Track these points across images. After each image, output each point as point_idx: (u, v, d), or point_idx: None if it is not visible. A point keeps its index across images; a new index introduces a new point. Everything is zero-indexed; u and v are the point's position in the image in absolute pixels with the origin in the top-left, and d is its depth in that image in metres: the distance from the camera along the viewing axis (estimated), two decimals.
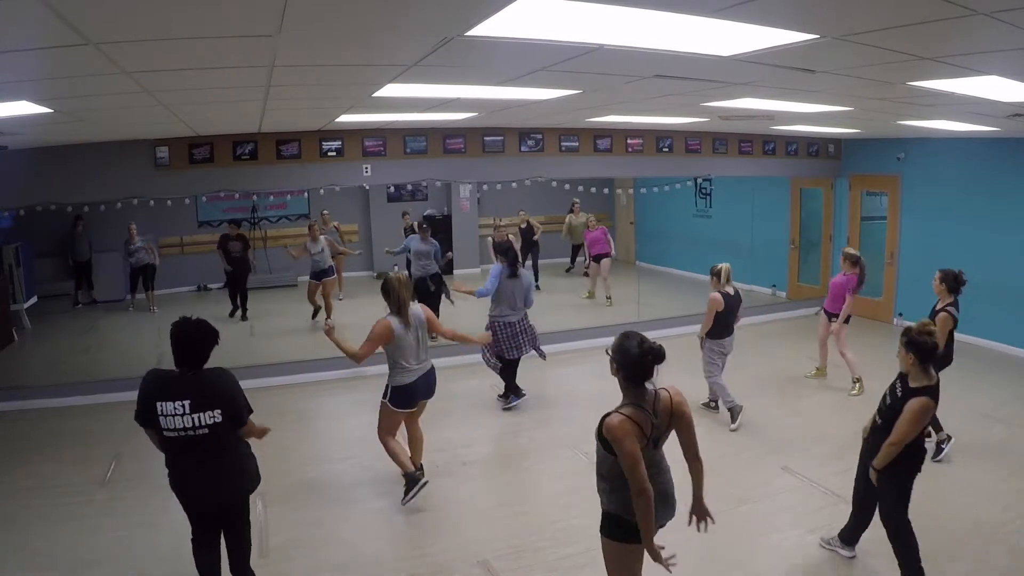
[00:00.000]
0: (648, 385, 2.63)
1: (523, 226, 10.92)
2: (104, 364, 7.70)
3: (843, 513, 4.32)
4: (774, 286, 10.66)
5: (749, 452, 5.29)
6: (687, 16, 2.37)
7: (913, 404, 3.25)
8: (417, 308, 4.46)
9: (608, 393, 6.88)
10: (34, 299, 9.82)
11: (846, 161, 9.92)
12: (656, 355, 2.58)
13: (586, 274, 11.32)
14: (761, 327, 9.11)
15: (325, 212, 10.29)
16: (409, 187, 12.62)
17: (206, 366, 3.08)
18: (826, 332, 6.80)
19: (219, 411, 2.99)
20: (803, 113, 5.97)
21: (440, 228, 12.26)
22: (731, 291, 5.91)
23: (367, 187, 9.14)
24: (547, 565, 3.84)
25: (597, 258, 10.32)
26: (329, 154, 7.25)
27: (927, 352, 3.27)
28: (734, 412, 5.83)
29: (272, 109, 4.93)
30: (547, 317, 9.30)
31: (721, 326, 5.90)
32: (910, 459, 3.38)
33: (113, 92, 3.53)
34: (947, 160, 8.39)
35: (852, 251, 6.70)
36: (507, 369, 6.37)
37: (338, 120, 6.13)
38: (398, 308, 4.32)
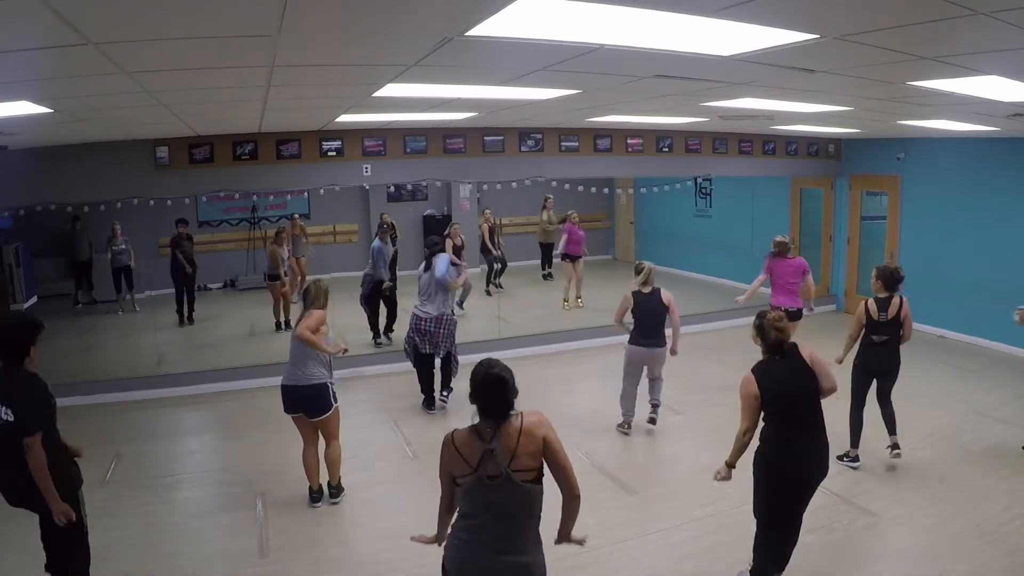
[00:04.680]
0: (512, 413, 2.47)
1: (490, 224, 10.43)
2: (104, 364, 7.70)
3: (843, 512, 4.34)
4: None
5: (748, 452, 5.27)
6: (687, 16, 2.38)
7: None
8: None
9: (607, 394, 6.83)
10: (34, 299, 9.85)
11: (846, 161, 9.92)
12: (497, 383, 2.44)
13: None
14: None
15: (296, 215, 10.34)
16: (409, 187, 12.64)
17: (32, 369, 3.10)
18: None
19: (10, 411, 2.96)
20: (803, 113, 5.97)
21: (440, 228, 12.27)
22: (647, 291, 5.45)
23: (367, 187, 9.14)
24: (547, 565, 3.82)
25: (574, 259, 9.55)
26: (329, 154, 7.25)
27: (769, 343, 3.69)
28: (623, 425, 5.68)
29: (272, 109, 4.93)
30: (546, 317, 9.33)
31: (640, 329, 5.45)
32: (764, 456, 3.67)
33: (113, 92, 3.54)
34: (947, 160, 8.38)
35: (781, 238, 6.57)
36: (421, 371, 6.19)
37: (338, 120, 6.13)
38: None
